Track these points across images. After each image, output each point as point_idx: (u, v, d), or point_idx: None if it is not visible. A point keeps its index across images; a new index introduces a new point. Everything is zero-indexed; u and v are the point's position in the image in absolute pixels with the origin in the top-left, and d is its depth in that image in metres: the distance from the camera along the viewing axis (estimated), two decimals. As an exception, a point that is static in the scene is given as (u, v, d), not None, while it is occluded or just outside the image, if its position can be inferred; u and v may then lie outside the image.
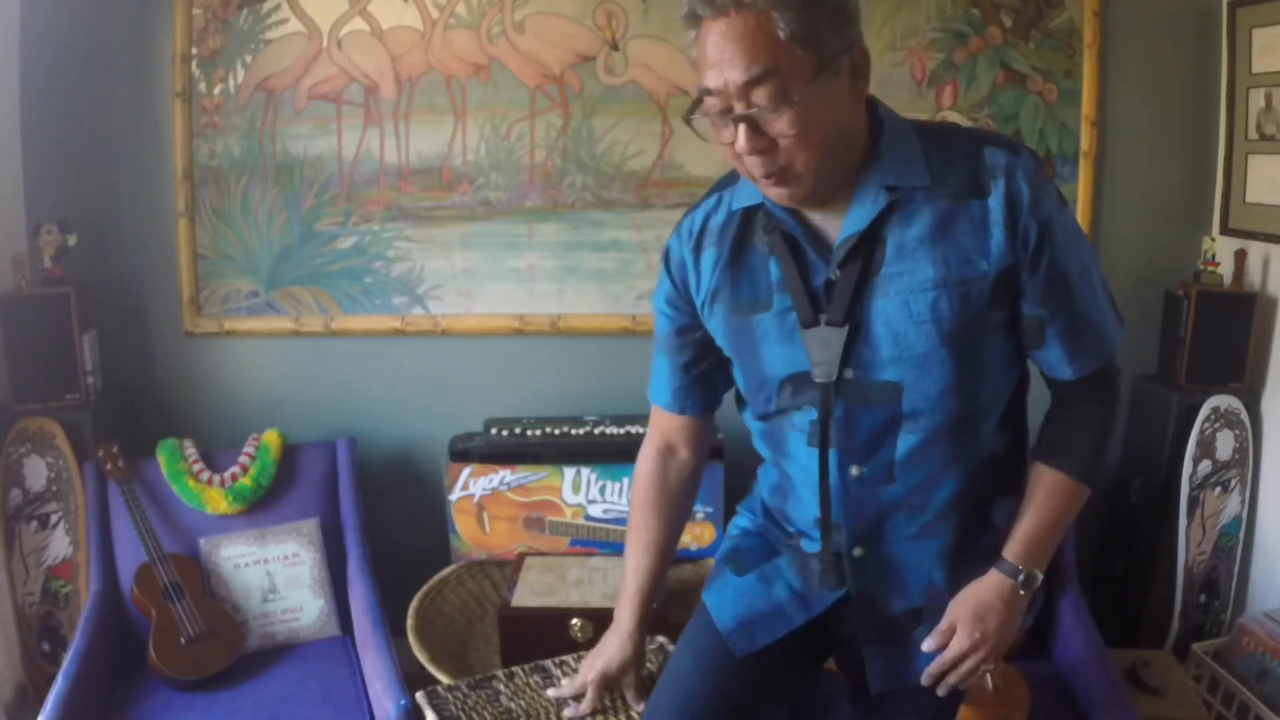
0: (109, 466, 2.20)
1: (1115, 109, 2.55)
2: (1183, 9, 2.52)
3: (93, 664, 1.96)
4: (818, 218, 1.20)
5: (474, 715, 1.53)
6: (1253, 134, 2.43)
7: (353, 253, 2.56)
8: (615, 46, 2.48)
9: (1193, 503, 2.45)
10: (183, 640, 2.04)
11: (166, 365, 2.59)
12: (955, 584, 1.29)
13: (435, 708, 1.55)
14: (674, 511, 1.48)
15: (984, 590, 1.26)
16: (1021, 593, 1.26)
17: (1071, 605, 2.16)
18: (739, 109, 1.08)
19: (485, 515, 2.41)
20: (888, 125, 1.19)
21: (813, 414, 1.23)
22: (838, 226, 1.18)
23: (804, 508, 1.31)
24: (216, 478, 2.27)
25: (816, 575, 1.32)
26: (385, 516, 2.57)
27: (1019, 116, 2.53)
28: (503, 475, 2.39)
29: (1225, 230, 2.53)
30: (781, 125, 1.08)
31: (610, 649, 1.47)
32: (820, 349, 1.20)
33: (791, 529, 1.37)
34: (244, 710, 1.94)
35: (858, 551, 1.28)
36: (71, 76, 2.43)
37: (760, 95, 1.07)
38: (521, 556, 2.37)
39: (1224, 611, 2.49)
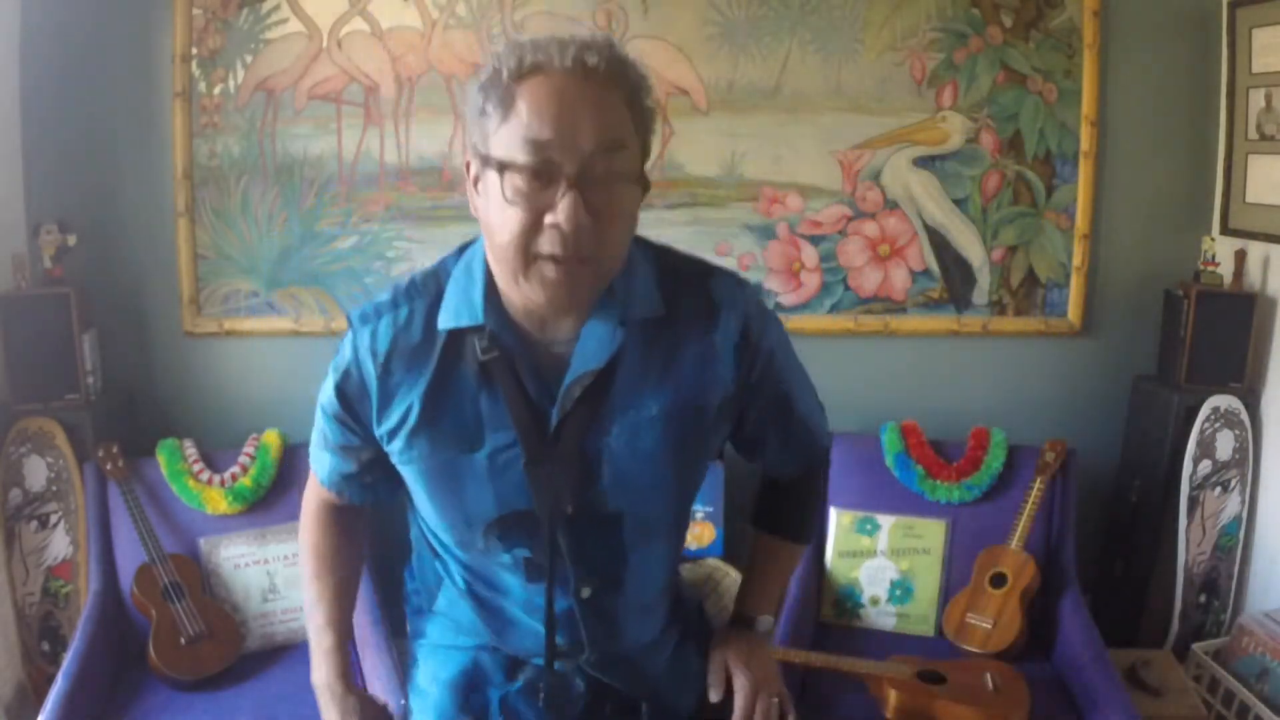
0: (109, 466, 2.20)
1: (1115, 109, 2.55)
2: (1183, 9, 2.52)
3: (93, 664, 1.95)
4: (543, 348, 1.12)
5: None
6: (1253, 134, 2.43)
7: (353, 253, 2.56)
8: (615, 46, 2.48)
9: (1193, 503, 2.45)
10: (183, 640, 2.04)
11: (166, 365, 2.59)
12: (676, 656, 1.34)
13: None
14: (357, 552, 1.38)
15: (739, 638, 1.34)
16: (768, 636, 1.38)
17: (1071, 605, 2.16)
18: (574, 170, 0.98)
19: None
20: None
21: (526, 552, 1.18)
22: (559, 358, 1.11)
23: (525, 636, 1.25)
24: (216, 478, 2.27)
25: (548, 694, 1.26)
26: (385, 516, 2.56)
27: (1019, 116, 2.53)
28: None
29: (1225, 230, 2.53)
30: (608, 201, 1.01)
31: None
32: (545, 485, 1.12)
33: (510, 652, 1.29)
34: (244, 710, 1.94)
35: (588, 657, 1.26)
36: (71, 77, 2.43)
37: (603, 165, 1.00)
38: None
39: (1224, 611, 2.49)
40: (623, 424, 1.12)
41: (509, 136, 1.00)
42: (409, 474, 1.18)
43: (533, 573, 1.19)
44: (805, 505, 1.40)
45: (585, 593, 1.20)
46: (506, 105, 1.01)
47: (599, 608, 1.22)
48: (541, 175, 0.99)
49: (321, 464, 1.28)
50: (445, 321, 1.11)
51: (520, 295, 1.07)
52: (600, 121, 1.00)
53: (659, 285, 1.14)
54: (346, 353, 1.16)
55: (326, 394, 1.19)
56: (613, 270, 1.07)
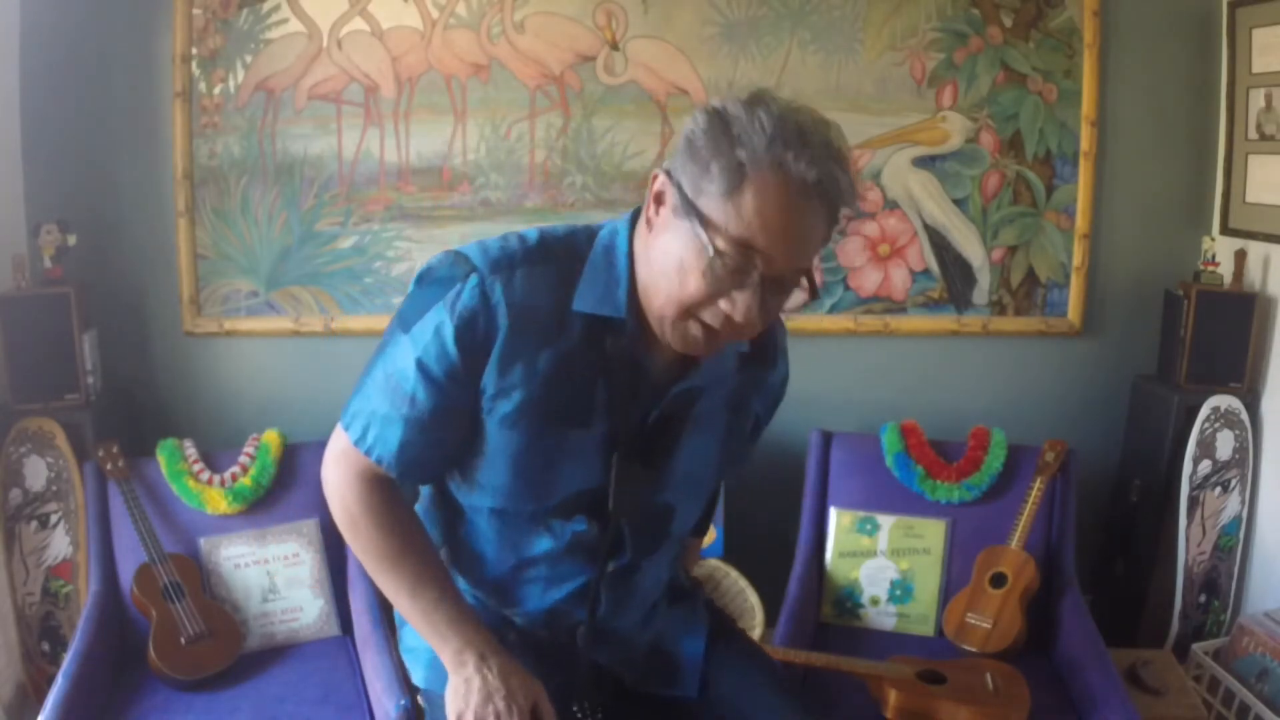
0: (109, 466, 2.20)
1: (1115, 109, 2.55)
2: (1183, 9, 2.52)
3: (93, 664, 1.95)
4: (662, 353, 1.17)
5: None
6: (1253, 134, 2.43)
7: (353, 253, 2.56)
8: (615, 46, 2.48)
9: (1193, 503, 2.45)
10: (183, 640, 2.04)
11: (166, 365, 2.59)
12: (663, 633, 1.39)
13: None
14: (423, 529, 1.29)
15: None
16: None
17: (1071, 605, 2.16)
18: (767, 272, 1.03)
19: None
20: None
21: (582, 525, 1.21)
22: (672, 364, 1.18)
23: (542, 601, 1.27)
24: (216, 478, 2.27)
25: (549, 656, 1.29)
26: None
27: (1019, 116, 2.53)
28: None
29: (1225, 230, 2.53)
30: (779, 305, 1.09)
31: (524, 676, 1.19)
32: (627, 480, 1.19)
33: (516, 612, 1.30)
34: (244, 710, 1.94)
35: (584, 632, 1.29)
36: (71, 76, 2.43)
37: (790, 278, 1.06)
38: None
39: (1224, 611, 2.49)
40: (699, 431, 1.23)
41: (727, 216, 1.01)
42: (501, 441, 1.15)
43: (577, 547, 1.23)
44: (714, 505, 1.57)
45: (611, 566, 1.25)
46: (734, 184, 1.00)
47: (619, 581, 1.27)
48: (739, 270, 1.02)
49: (387, 440, 1.16)
50: (583, 305, 1.12)
51: (656, 328, 1.11)
52: (806, 247, 1.05)
53: None
54: (472, 299, 1.09)
55: (438, 345, 1.10)
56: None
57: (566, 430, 1.15)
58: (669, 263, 1.05)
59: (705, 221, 1.01)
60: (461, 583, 1.29)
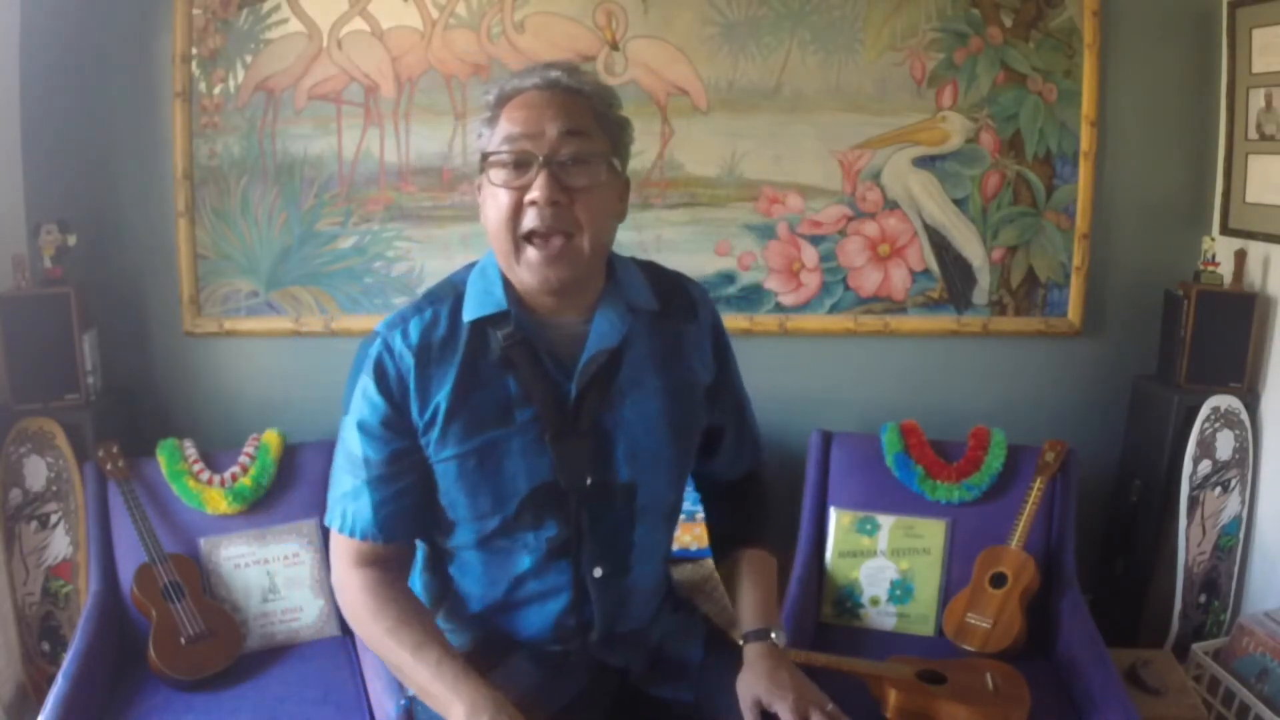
0: (109, 466, 2.20)
1: (1115, 109, 2.55)
2: (1182, 9, 2.52)
3: (93, 664, 1.95)
4: (558, 331, 1.27)
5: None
6: (1253, 134, 2.43)
7: (353, 253, 2.56)
8: (615, 46, 2.48)
9: (1193, 503, 2.45)
10: (183, 640, 2.04)
11: (166, 365, 2.59)
12: (670, 634, 1.42)
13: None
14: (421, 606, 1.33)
15: (763, 661, 1.32)
16: (781, 646, 1.36)
17: (1071, 605, 2.16)
18: (544, 154, 1.18)
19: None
20: (615, 257, 1.33)
21: (553, 529, 1.27)
22: (573, 340, 1.26)
23: (542, 618, 1.33)
24: (216, 478, 2.27)
25: (562, 668, 1.34)
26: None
27: (1019, 116, 2.53)
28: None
29: (1225, 230, 2.53)
30: (581, 179, 1.19)
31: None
32: (568, 458, 1.25)
33: (523, 638, 1.35)
34: (244, 710, 1.94)
35: (594, 638, 1.34)
36: (71, 76, 2.43)
37: (569, 149, 1.19)
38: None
39: (1224, 611, 2.49)
40: (633, 399, 1.28)
41: (495, 136, 1.22)
42: (445, 468, 1.26)
43: (554, 553, 1.28)
44: (765, 509, 1.52)
45: (598, 572, 1.30)
46: (494, 123, 1.23)
47: (610, 587, 1.32)
48: (520, 164, 1.19)
49: (360, 512, 1.27)
50: (470, 314, 1.26)
51: (517, 280, 1.24)
52: (563, 114, 1.19)
53: (649, 285, 1.33)
54: (378, 355, 1.26)
55: (366, 402, 1.26)
56: (595, 250, 1.22)
57: (492, 430, 1.24)
58: (488, 209, 1.23)
59: (486, 154, 1.22)
60: (462, 626, 1.36)
